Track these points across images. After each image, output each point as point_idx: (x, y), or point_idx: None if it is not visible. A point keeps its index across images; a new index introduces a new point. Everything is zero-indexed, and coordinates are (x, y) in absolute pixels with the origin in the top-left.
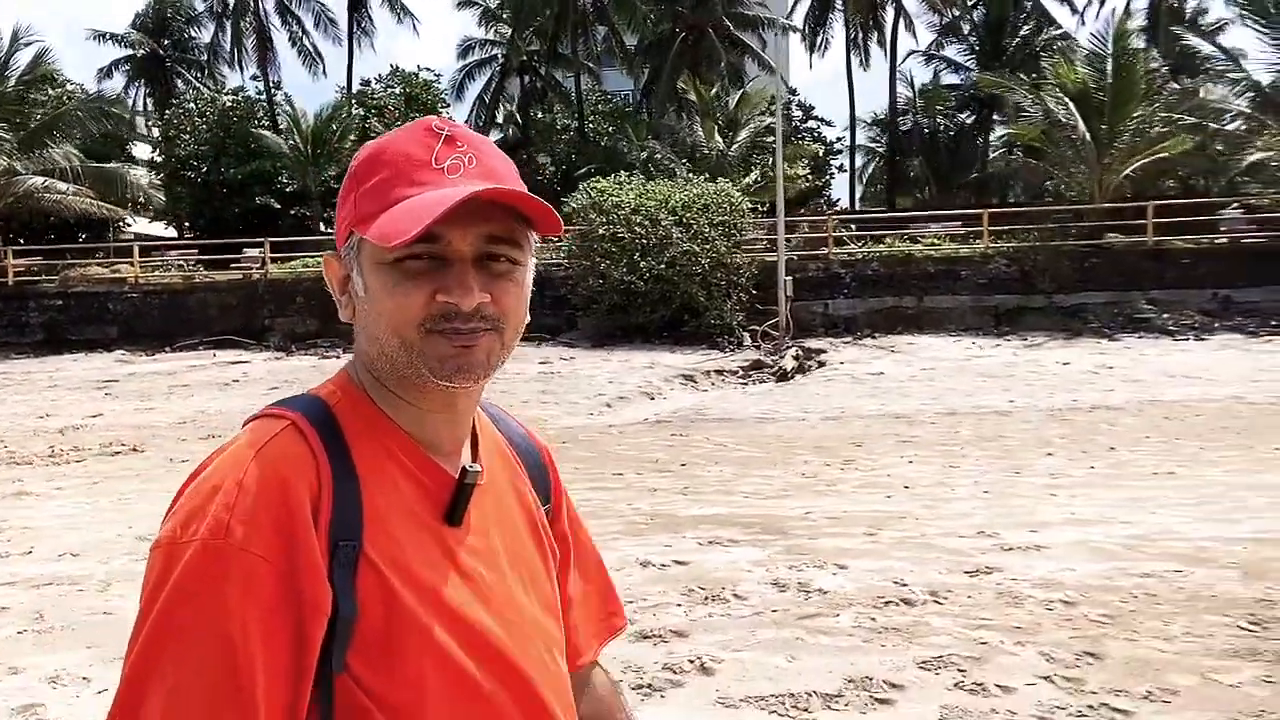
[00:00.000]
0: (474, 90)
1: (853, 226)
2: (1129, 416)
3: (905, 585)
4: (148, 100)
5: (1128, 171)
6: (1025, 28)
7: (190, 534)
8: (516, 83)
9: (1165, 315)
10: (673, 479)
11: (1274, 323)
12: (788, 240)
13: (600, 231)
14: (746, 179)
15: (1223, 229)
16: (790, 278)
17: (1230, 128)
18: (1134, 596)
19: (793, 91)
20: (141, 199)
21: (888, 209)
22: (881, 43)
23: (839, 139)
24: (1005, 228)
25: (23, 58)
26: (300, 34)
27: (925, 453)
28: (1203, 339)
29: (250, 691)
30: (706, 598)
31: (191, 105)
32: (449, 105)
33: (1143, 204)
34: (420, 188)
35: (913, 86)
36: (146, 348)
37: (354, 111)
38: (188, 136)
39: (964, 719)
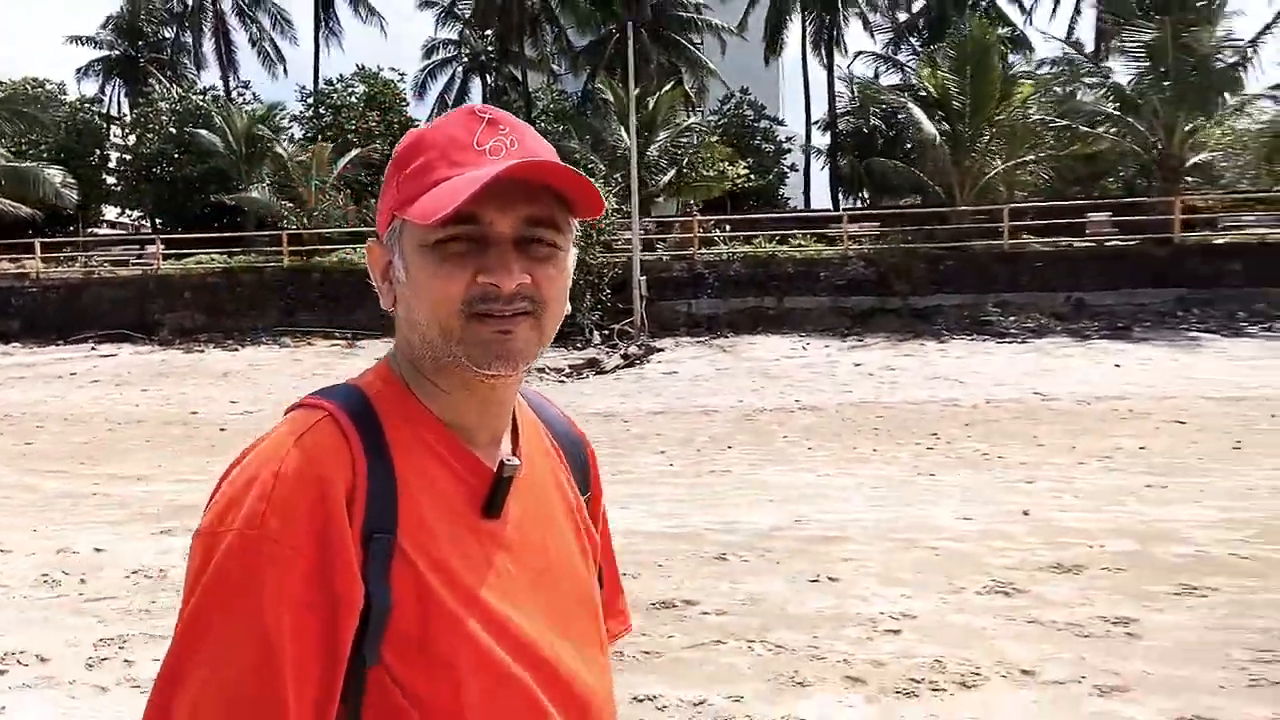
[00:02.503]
0: (436, 90)
1: (727, 227)
2: (812, 417)
3: None
4: (124, 100)
5: (992, 173)
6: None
7: (227, 524)
8: (478, 82)
9: (1012, 319)
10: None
11: (1120, 325)
12: (663, 240)
13: None
14: (664, 179)
15: (1088, 231)
16: (644, 278)
17: (1100, 130)
18: None
19: (744, 91)
20: (54, 197)
21: (833, 209)
22: (840, 43)
23: (790, 138)
24: (873, 230)
25: None
26: (259, 36)
27: None
28: (1027, 342)
29: (280, 682)
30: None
31: (163, 104)
32: (409, 104)
33: (999, 207)
34: (462, 168)
35: (860, 86)
36: (43, 340)
37: (284, 111)
38: (152, 135)
39: None
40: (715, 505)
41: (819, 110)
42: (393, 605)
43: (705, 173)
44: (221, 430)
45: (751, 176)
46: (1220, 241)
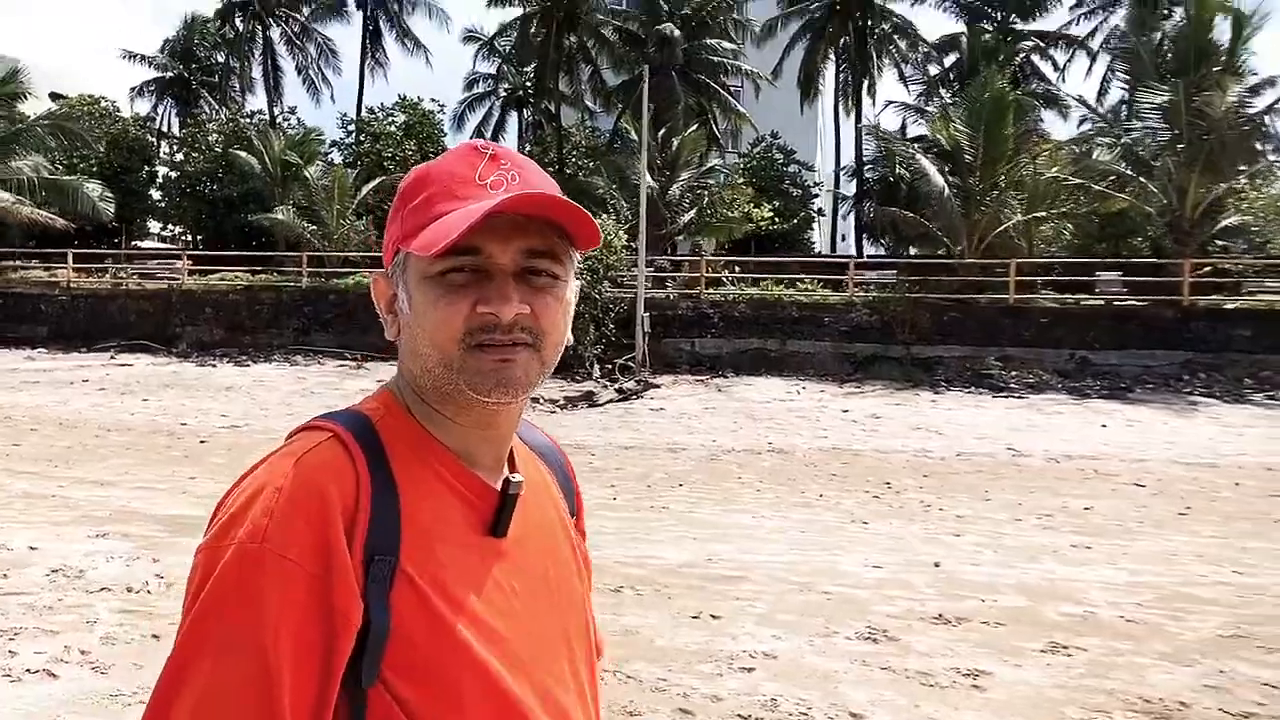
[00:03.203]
0: (474, 122)
1: (736, 268)
2: (776, 460)
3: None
4: (174, 120)
5: (1003, 227)
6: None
7: (230, 538)
8: (515, 116)
9: (1013, 373)
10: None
11: (1122, 385)
12: (674, 278)
13: None
14: (684, 218)
15: (1097, 290)
16: (648, 314)
17: (1119, 191)
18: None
19: (774, 135)
20: (92, 211)
21: (857, 256)
22: (871, 92)
23: (818, 184)
24: (886, 278)
25: None
26: (305, 64)
27: None
28: (1023, 398)
29: (278, 694)
30: None
31: (211, 125)
32: (446, 135)
33: (1005, 261)
34: (463, 202)
35: (876, 135)
36: (68, 347)
37: (320, 137)
38: (198, 155)
39: None
40: (638, 541)
41: (849, 157)
42: (393, 627)
43: (728, 214)
44: (201, 442)
45: (776, 220)
46: (1230, 306)
